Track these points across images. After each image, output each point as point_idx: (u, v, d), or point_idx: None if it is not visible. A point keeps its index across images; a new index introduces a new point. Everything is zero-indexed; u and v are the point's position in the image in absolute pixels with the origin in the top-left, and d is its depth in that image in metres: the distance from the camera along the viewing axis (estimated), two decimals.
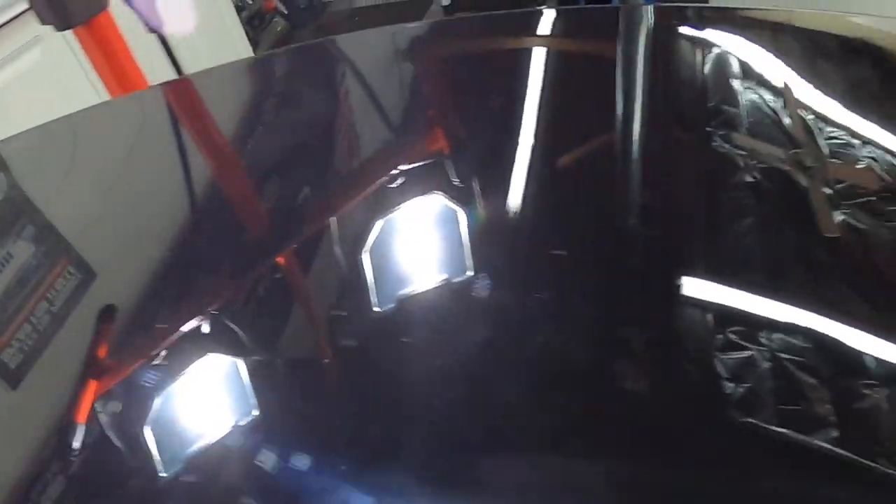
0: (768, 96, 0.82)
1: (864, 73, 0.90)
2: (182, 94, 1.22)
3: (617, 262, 0.70)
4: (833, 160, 0.75)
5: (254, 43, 3.18)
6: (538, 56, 1.03)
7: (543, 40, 1.07)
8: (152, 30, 1.74)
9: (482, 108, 0.96)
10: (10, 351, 0.72)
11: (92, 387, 0.66)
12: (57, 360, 0.72)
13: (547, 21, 1.10)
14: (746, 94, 0.83)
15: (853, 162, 0.74)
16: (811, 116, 0.79)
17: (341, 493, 0.54)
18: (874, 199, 0.70)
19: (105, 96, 2.44)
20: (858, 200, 0.70)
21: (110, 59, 1.61)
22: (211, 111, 1.15)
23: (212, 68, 1.28)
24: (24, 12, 2.14)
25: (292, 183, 0.90)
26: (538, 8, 1.05)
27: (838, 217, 0.68)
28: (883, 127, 0.78)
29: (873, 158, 0.74)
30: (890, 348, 0.59)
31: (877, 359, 0.57)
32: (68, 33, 2.28)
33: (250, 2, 3.24)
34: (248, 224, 0.90)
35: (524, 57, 1.03)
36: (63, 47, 2.29)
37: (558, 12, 1.09)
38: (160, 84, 1.25)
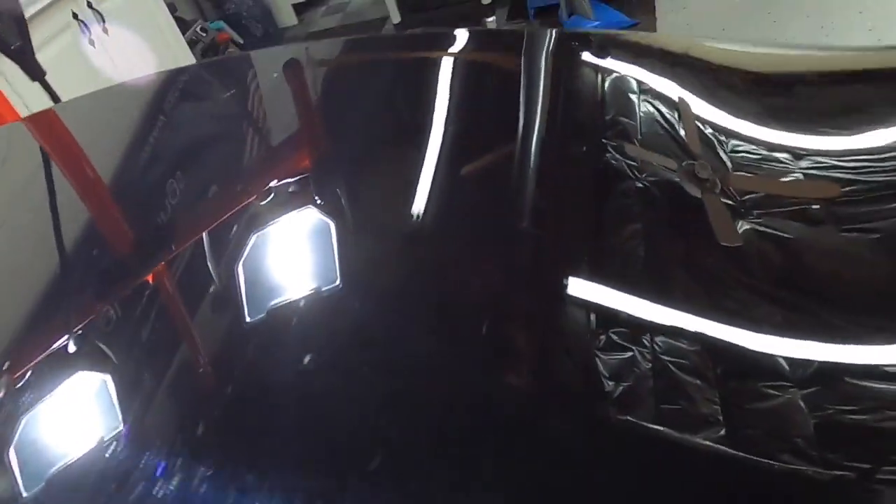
0: (664, 109, 0.80)
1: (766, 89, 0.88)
2: (47, 124, 1.21)
3: (504, 263, 0.68)
4: (738, 172, 0.73)
5: None
6: (445, 72, 1.02)
7: (450, 58, 1.07)
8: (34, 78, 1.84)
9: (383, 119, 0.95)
10: None
11: None
12: None
13: (457, 40, 1.11)
14: (643, 107, 0.81)
15: (758, 172, 0.72)
16: (710, 130, 0.78)
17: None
18: (778, 208, 0.67)
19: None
20: (762, 210, 0.67)
21: None
22: (79, 138, 1.12)
23: (79, 97, 1.26)
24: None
25: (165, 199, 0.88)
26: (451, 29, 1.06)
27: (744, 226, 0.66)
28: (791, 139, 0.76)
29: (775, 168, 0.72)
30: (798, 347, 0.55)
31: (787, 358, 0.54)
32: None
33: (203, 34, 3.26)
34: (113, 243, 0.88)
35: (431, 73, 1.02)
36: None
37: (469, 33, 1.09)
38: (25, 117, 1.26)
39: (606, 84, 0.88)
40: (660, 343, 0.56)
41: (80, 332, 0.68)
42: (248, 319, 0.66)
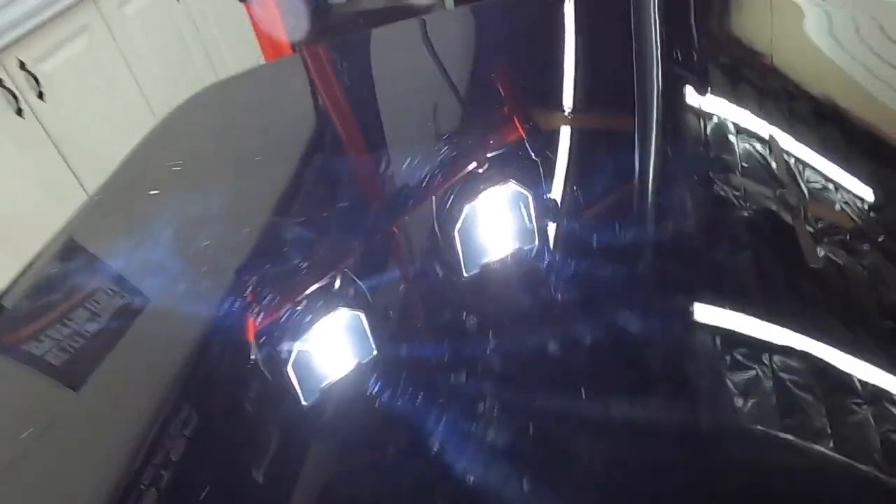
0: (758, 145, 0.89)
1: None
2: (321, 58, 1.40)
3: (634, 291, 0.75)
4: (814, 201, 0.80)
5: None
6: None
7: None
8: None
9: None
10: None
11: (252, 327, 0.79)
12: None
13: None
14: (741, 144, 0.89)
15: (831, 205, 0.79)
16: (793, 161, 0.86)
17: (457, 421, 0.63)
18: (848, 238, 0.75)
19: (148, 90, 2.72)
20: (836, 238, 0.74)
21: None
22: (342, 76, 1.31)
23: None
24: (73, 5, 2.33)
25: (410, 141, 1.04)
26: None
27: (820, 251, 0.73)
28: (853, 175, 0.84)
29: (846, 203, 0.79)
30: (869, 370, 0.61)
31: (860, 379, 0.60)
32: (113, 22, 2.52)
33: None
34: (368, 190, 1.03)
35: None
36: (106, 36, 2.51)
37: None
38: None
39: (709, 128, 0.96)
40: (777, 362, 0.62)
41: (344, 271, 0.81)
42: (466, 274, 0.80)
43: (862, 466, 0.55)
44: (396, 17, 4.47)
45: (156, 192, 1.11)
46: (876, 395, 0.60)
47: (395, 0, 4.31)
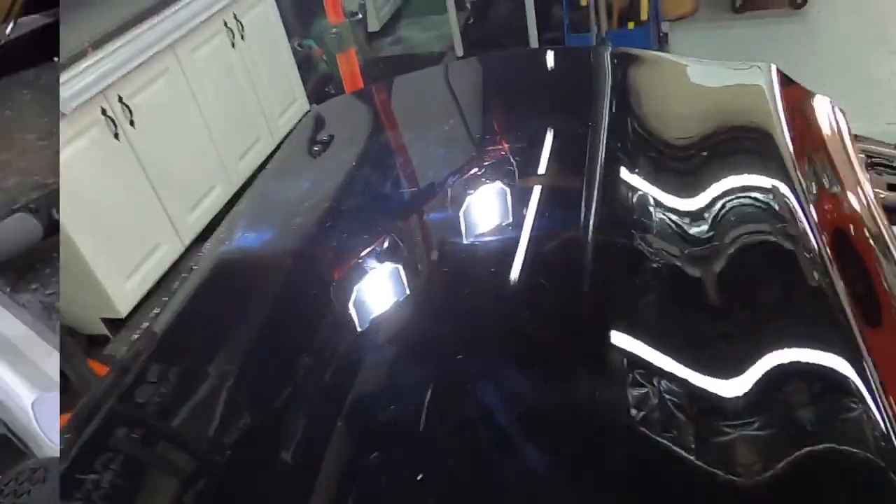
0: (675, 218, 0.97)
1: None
2: (384, 92, 1.71)
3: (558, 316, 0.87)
4: (718, 260, 0.88)
5: (304, 80, 3.95)
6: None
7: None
8: None
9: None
10: None
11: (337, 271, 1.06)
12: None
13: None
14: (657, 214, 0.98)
15: (733, 265, 0.87)
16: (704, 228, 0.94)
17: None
18: (744, 293, 0.84)
19: (210, 119, 3.20)
20: (732, 292, 0.84)
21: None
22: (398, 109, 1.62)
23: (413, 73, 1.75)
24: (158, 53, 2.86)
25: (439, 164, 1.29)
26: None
27: (717, 302, 0.83)
28: (755, 244, 0.93)
29: (746, 265, 0.88)
30: (736, 400, 0.69)
31: (726, 407, 0.68)
32: (186, 65, 3.06)
33: (300, 49, 3.99)
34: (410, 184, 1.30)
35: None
36: (180, 75, 3.04)
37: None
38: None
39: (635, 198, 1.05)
40: (664, 385, 0.71)
41: (392, 236, 1.10)
42: (465, 241, 1.05)
43: (716, 472, 0.63)
44: (412, 63, 5.02)
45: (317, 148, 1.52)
46: (738, 418, 0.68)
47: (410, 47, 4.88)
